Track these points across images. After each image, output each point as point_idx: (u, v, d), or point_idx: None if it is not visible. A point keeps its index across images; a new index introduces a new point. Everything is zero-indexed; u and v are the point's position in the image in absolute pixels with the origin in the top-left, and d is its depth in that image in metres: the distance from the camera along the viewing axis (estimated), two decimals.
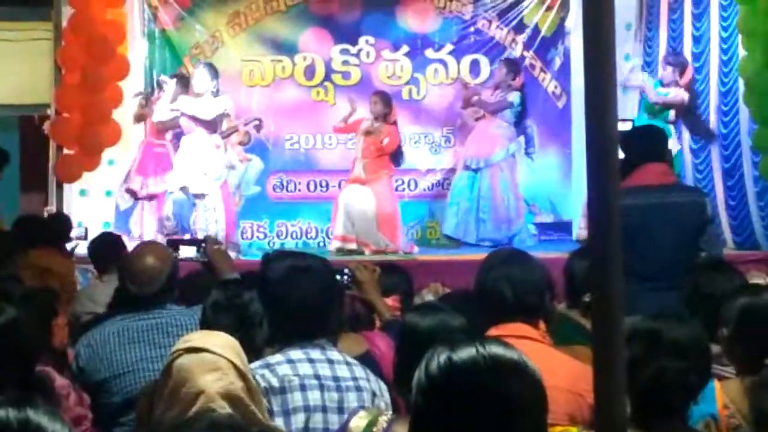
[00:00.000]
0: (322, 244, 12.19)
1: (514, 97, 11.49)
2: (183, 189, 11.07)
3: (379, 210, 11.01)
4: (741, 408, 3.52)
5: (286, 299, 3.69)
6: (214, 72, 11.32)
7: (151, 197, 11.63)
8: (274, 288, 3.74)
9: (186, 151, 11.11)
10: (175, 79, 11.68)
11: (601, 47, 2.00)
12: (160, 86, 11.91)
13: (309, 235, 12.48)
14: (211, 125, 11.14)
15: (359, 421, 2.97)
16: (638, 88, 11.37)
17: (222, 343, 3.03)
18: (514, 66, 11.86)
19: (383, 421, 2.94)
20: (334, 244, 11.11)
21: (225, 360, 2.96)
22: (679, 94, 10.99)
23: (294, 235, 12.48)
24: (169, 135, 11.73)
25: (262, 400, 3.13)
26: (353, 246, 10.97)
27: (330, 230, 11.81)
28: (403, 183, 12.36)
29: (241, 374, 2.98)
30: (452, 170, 12.22)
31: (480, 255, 5.78)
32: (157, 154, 11.73)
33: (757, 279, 9.35)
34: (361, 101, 11.57)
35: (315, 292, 3.71)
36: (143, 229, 11.48)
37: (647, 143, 6.47)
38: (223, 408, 2.82)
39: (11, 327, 3.61)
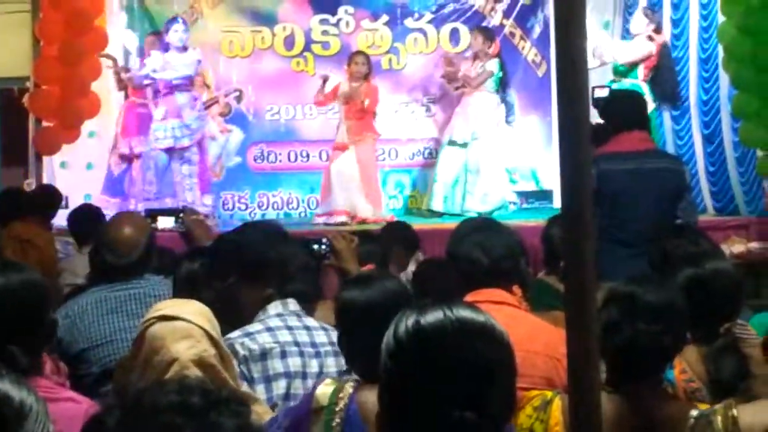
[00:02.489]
0: (303, 214, 12.16)
1: (494, 65, 11.42)
2: (164, 149, 11.04)
3: (362, 173, 10.92)
4: (698, 372, 3.53)
5: (281, 260, 3.76)
6: (186, 27, 11.35)
7: (138, 157, 11.60)
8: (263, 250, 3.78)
9: (164, 108, 11.08)
10: (152, 37, 11.76)
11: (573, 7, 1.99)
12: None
13: (290, 206, 12.46)
14: (187, 79, 11.14)
15: (325, 388, 3.00)
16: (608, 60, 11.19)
17: (193, 310, 3.03)
18: (489, 33, 11.75)
19: (349, 387, 2.97)
20: (336, 219, 10.88)
21: (197, 327, 2.96)
22: (646, 46, 10.85)
23: (275, 206, 12.46)
24: (149, 93, 11.63)
25: (234, 367, 3.14)
26: (348, 218, 10.86)
27: (312, 200, 11.83)
28: (384, 152, 12.31)
29: (214, 341, 2.98)
30: (433, 140, 12.20)
31: None
32: (139, 114, 11.67)
33: (738, 245, 9.39)
34: (340, 71, 11.50)
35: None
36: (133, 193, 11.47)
37: (627, 110, 6.47)
38: (197, 375, 2.82)
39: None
